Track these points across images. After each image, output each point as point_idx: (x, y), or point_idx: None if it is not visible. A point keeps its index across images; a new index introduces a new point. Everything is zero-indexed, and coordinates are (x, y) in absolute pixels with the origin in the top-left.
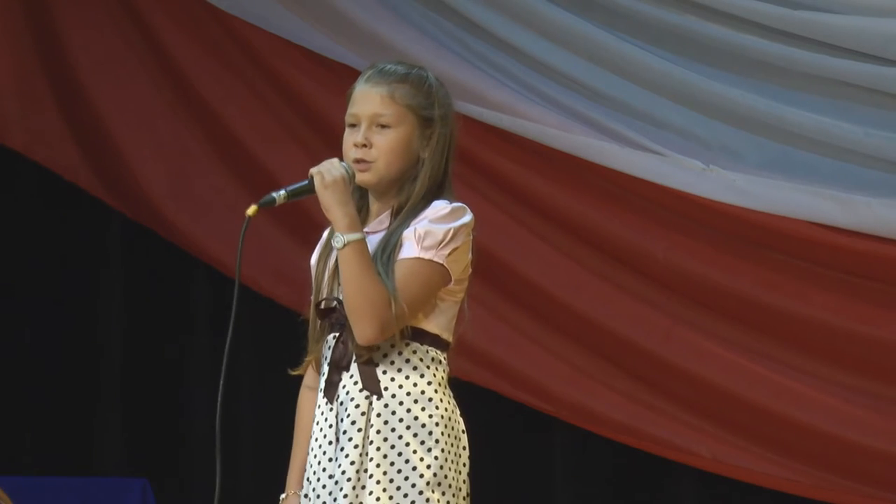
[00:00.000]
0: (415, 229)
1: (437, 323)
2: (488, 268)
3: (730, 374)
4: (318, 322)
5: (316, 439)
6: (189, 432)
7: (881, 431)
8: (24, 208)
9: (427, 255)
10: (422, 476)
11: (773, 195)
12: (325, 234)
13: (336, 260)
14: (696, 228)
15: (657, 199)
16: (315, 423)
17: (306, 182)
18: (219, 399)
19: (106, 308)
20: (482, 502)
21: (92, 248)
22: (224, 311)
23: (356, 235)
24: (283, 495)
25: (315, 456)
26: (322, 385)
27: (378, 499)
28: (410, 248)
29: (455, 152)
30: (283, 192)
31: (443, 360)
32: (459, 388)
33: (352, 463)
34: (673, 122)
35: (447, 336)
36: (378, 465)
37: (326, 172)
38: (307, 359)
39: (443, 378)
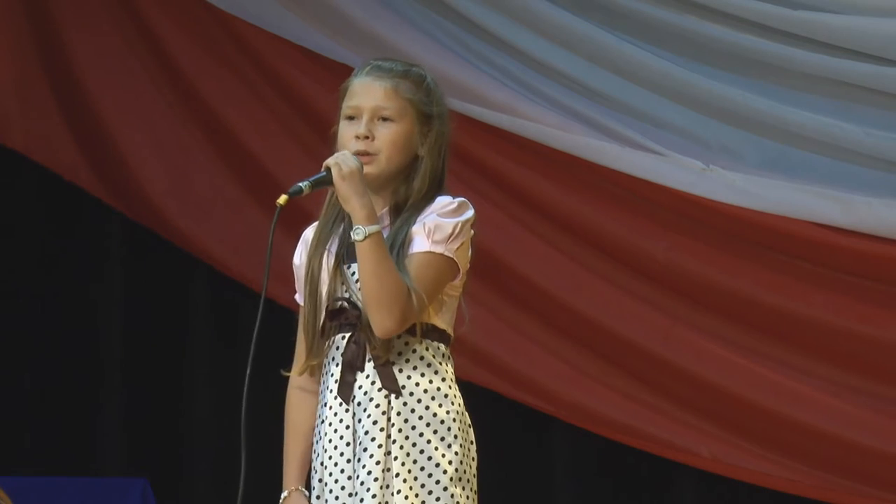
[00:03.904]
0: (423, 224)
1: (444, 318)
2: (488, 267)
3: (730, 374)
4: (323, 323)
5: (330, 440)
6: (189, 432)
7: (881, 431)
8: (24, 208)
9: (438, 249)
10: (445, 472)
11: (773, 195)
12: (308, 233)
13: (336, 259)
14: (696, 228)
15: (657, 199)
16: (325, 424)
17: (324, 173)
18: (244, 401)
19: (106, 308)
20: (482, 502)
21: (92, 248)
22: (223, 311)
23: (375, 227)
24: (283, 493)
25: (330, 457)
26: (333, 386)
27: (406, 497)
28: (421, 242)
29: (450, 151)
30: (307, 182)
31: (450, 355)
32: (459, 387)
33: (377, 463)
34: (673, 122)
35: (451, 331)
36: (403, 464)
37: (343, 164)
38: (309, 362)
39: (453, 374)
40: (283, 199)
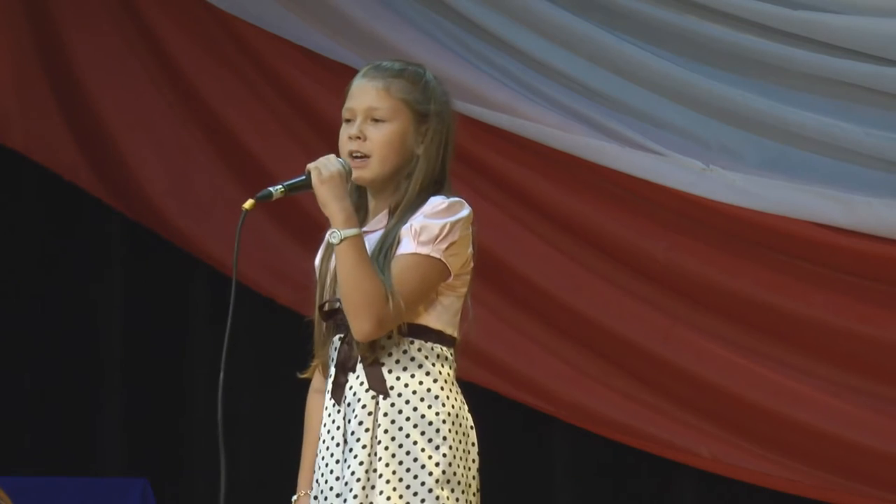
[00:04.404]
0: (411, 225)
1: (440, 319)
2: (488, 268)
3: (730, 374)
4: (324, 324)
5: (324, 441)
6: (189, 432)
7: (881, 431)
8: (25, 208)
9: (424, 251)
10: (431, 474)
11: (773, 195)
12: (327, 235)
13: None
14: (696, 228)
15: (657, 199)
16: (323, 425)
17: (303, 177)
18: (219, 393)
19: (106, 308)
20: (483, 502)
21: (92, 248)
22: (224, 311)
23: (352, 231)
24: (294, 497)
25: (323, 458)
26: (329, 387)
27: (388, 498)
28: (407, 243)
29: (453, 150)
30: (280, 186)
31: (449, 356)
32: (460, 387)
33: (361, 463)
34: (673, 122)
35: (451, 332)
36: (387, 465)
37: (323, 167)
38: (314, 363)
39: (449, 375)
40: (249, 203)
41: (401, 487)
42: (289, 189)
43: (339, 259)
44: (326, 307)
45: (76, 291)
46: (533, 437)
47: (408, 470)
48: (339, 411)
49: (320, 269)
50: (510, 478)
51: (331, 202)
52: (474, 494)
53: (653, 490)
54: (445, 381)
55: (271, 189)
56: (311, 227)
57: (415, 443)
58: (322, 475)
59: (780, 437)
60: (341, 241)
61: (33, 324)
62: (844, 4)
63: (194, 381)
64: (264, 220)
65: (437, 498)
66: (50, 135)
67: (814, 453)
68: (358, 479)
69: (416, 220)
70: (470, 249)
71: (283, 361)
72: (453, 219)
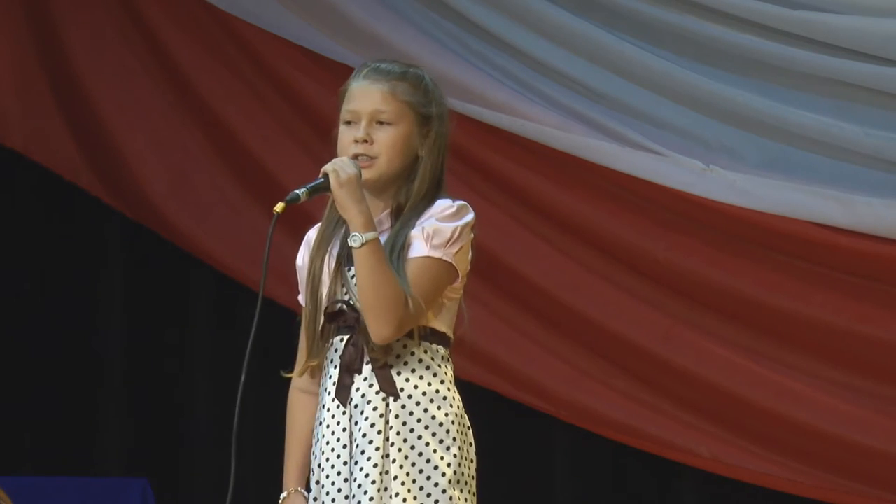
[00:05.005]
0: (422, 228)
1: (444, 321)
2: (488, 268)
3: (730, 374)
4: (322, 325)
5: (328, 442)
6: (189, 432)
7: (881, 431)
8: (24, 208)
9: (436, 254)
10: (443, 475)
11: (773, 195)
12: (311, 234)
13: (337, 261)
14: (696, 228)
15: (657, 199)
16: (323, 426)
17: (322, 179)
18: (238, 396)
19: (106, 308)
20: (482, 502)
21: (92, 248)
22: (224, 311)
23: (372, 234)
24: (283, 494)
25: (327, 459)
26: (331, 388)
27: (404, 500)
28: (419, 246)
29: (450, 151)
30: (304, 189)
31: (449, 358)
32: (459, 387)
33: (374, 465)
34: (673, 122)
35: (450, 334)
36: (401, 467)
37: (341, 170)
38: (309, 363)
39: (452, 376)
40: (280, 206)
41: (414, 489)
42: (311, 191)
43: (358, 262)
44: (328, 309)
45: (76, 291)
46: (533, 437)
47: (420, 471)
48: (344, 413)
49: (311, 269)
50: (510, 478)
51: (350, 205)
52: (473, 494)
53: (653, 490)
54: (451, 383)
55: (298, 192)
56: (311, 226)
57: (426, 444)
58: (327, 476)
59: (780, 437)
60: (363, 244)
61: (33, 323)
62: (844, 4)
63: (194, 381)
64: (264, 220)
65: (451, 498)
66: (50, 135)
67: (814, 453)
68: (373, 482)
69: (428, 223)
70: (470, 253)
71: (282, 362)
72: (462, 223)
